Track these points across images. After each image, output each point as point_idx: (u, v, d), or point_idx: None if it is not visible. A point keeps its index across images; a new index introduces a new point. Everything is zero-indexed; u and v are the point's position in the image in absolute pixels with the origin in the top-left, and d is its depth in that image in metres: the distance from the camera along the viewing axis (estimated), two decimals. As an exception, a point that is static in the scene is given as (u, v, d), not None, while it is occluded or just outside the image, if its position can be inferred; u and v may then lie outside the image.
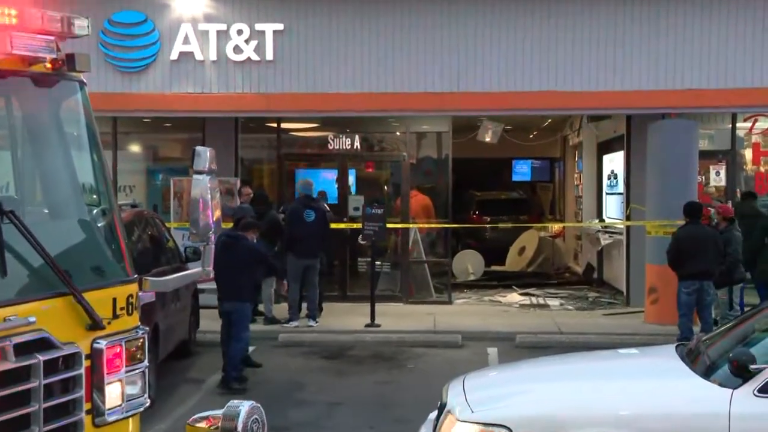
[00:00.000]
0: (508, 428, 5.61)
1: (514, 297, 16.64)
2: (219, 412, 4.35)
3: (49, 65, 4.58)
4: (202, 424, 4.35)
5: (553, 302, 16.17)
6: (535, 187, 26.80)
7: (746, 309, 12.29)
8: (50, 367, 4.21)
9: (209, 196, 5.16)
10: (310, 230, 13.60)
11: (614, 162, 17.42)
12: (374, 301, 13.88)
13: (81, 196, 5.07)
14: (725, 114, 15.70)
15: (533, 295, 16.82)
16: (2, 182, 5.10)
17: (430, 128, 16.73)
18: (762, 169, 16.25)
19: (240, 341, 10.41)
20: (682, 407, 5.67)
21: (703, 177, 15.60)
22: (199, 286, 11.93)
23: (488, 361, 11.67)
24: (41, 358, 4.14)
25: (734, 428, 5.38)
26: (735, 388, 5.51)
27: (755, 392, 5.43)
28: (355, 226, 15.01)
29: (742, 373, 5.49)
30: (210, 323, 12.10)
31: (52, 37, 4.51)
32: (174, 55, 14.29)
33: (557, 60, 14.15)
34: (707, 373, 5.84)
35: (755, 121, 15.89)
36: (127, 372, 4.68)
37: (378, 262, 15.33)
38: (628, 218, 15.64)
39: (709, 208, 13.35)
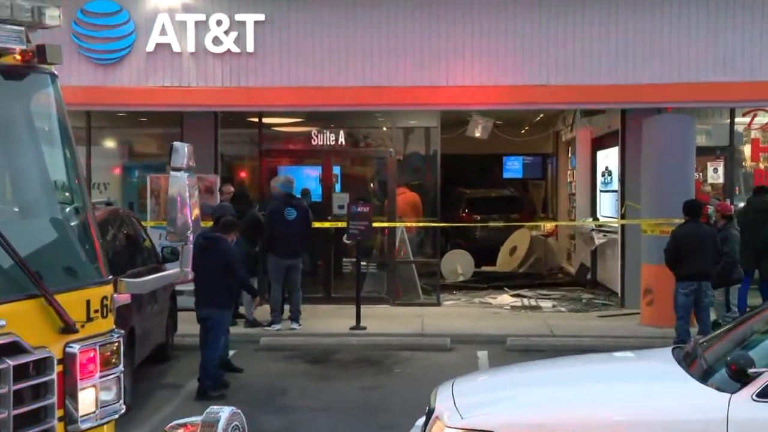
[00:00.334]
0: None
1: (505, 298, 16.56)
2: (198, 418, 4.37)
3: (18, 57, 4.55)
4: (181, 431, 4.36)
5: (546, 304, 16.08)
6: (526, 184, 26.79)
7: (748, 310, 12.36)
8: (20, 372, 4.19)
9: (187, 193, 5.15)
10: (292, 229, 13.49)
11: (608, 158, 17.37)
12: (360, 303, 13.77)
13: (53, 194, 5.08)
14: (723, 108, 15.59)
15: (525, 296, 16.74)
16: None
17: (417, 123, 16.61)
18: (761, 165, 16.24)
19: (213, 350, 10.31)
20: (678, 413, 5.62)
21: (701, 174, 15.58)
22: (177, 287, 11.84)
23: (478, 365, 11.61)
24: (11, 363, 4.12)
25: None
26: (733, 392, 5.44)
27: (754, 397, 5.37)
28: (339, 224, 14.93)
29: (740, 377, 5.43)
30: (188, 326, 11.97)
31: (21, 28, 4.48)
32: (150, 47, 14.23)
33: (548, 53, 14.06)
34: (704, 377, 5.80)
35: (754, 115, 15.85)
36: (101, 377, 4.66)
37: (364, 263, 15.24)
38: (623, 216, 15.55)
39: (708, 206, 13.36)
